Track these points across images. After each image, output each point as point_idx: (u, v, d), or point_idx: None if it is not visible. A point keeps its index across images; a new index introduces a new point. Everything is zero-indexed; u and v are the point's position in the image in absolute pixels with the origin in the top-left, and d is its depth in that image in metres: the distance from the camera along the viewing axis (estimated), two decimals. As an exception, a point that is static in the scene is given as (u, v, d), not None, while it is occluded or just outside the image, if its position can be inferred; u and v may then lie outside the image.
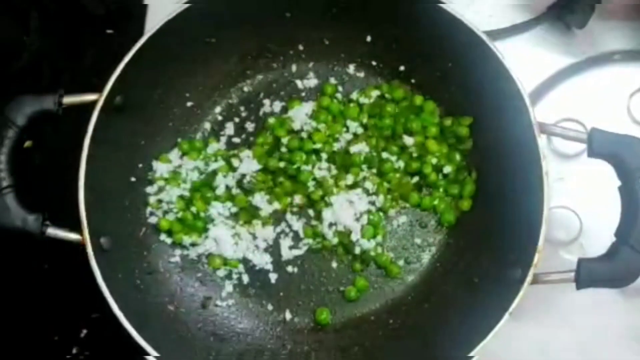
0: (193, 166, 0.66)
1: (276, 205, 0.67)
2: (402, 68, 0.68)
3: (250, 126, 0.69)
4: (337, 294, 0.66)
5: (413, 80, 0.68)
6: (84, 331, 0.68)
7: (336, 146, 0.67)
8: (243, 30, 0.65)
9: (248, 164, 0.67)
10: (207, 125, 0.69)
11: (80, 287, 0.57)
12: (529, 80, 0.68)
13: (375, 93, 0.68)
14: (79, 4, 0.73)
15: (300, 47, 0.68)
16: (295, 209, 0.67)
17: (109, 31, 0.75)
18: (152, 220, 0.65)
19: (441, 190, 0.66)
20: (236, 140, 0.68)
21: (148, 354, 0.54)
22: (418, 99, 0.67)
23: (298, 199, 0.67)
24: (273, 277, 0.66)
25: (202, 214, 0.65)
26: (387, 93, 0.68)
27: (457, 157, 0.66)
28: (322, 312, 0.64)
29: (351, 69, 0.69)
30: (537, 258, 0.54)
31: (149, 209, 0.65)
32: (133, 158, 0.64)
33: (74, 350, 0.68)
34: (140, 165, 0.65)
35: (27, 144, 0.68)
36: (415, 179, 0.67)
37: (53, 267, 0.70)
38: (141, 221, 0.64)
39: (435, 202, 0.66)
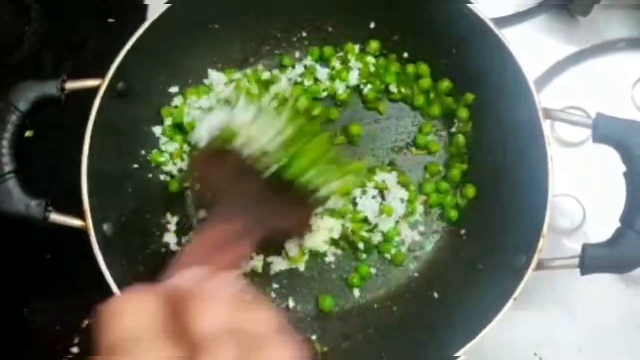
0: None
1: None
2: (405, 55, 0.67)
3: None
4: (340, 281, 0.65)
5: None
6: (86, 321, 0.68)
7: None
8: (246, 17, 0.65)
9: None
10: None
11: (83, 275, 0.57)
12: (533, 68, 0.67)
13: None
14: (80, -7, 0.73)
15: (304, 34, 0.68)
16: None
17: (110, 20, 0.75)
18: (156, 206, 0.65)
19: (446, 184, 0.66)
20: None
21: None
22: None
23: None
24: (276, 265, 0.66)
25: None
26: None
27: (461, 140, 0.66)
28: (325, 300, 0.64)
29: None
30: (541, 243, 0.54)
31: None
32: (135, 144, 0.64)
33: (76, 340, 0.68)
34: (143, 152, 0.65)
35: (28, 133, 0.67)
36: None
37: (55, 256, 0.69)
38: (144, 207, 0.64)
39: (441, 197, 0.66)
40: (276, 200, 0.50)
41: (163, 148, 0.65)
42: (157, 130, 0.65)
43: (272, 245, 0.65)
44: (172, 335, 0.29)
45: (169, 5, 0.58)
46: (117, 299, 0.31)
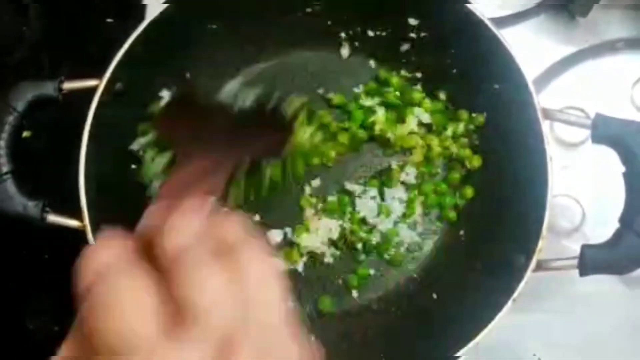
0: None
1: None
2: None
3: (252, 113, 0.69)
4: (339, 282, 0.65)
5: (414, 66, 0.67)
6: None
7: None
8: (246, 17, 0.64)
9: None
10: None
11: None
12: (532, 68, 0.67)
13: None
14: (79, -7, 0.73)
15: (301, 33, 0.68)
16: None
17: (109, 20, 0.75)
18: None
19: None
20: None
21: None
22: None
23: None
24: (275, 265, 0.66)
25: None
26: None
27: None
28: (324, 301, 0.64)
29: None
30: (540, 244, 0.54)
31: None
32: (133, 144, 0.64)
33: (75, 341, 0.67)
34: (141, 153, 0.65)
35: (26, 134, 0.67)
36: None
37: (53, 257, 0.69)
38: (142, 208, 0.64)
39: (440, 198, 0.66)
40: (249, 128, 0.50)
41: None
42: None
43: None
44: (148, 260, 0.30)
45: (167, 5, 0.58)
46: (93, 245, 0.32)
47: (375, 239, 0.65)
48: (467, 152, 0.65)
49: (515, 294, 0.53)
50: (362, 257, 0.65)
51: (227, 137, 0.48)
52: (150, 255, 0.30)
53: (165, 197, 0.39)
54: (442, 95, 0.66)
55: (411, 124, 0.65)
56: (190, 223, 0.30)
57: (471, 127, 0.65)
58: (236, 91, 0.54)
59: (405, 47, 0.67)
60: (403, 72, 0.67)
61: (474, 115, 0.64)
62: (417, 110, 0.65)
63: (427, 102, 0.66)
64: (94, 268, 0.30)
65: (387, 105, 0.66)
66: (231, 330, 0.28)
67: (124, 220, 0.61)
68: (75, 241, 0.55)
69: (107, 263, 0.30)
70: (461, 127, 0.64)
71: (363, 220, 0.65)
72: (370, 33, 0.67)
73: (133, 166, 0.64)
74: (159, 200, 0.39)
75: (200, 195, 0.38)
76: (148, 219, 0.32)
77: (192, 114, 0.51)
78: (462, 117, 0.65)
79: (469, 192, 0.65)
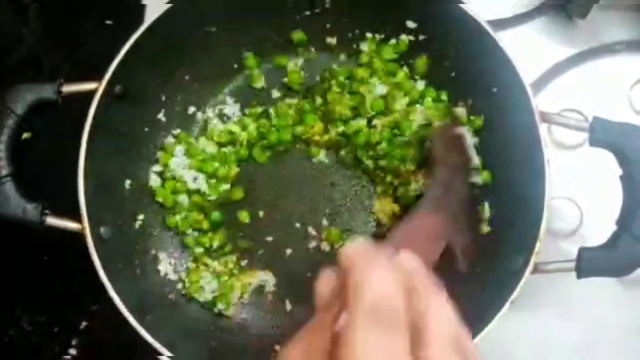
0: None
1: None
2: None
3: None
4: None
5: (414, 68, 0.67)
6: (84, 323, 0.68)
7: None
8: (244, 19, 0.64)
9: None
10: (210, 114, 0.69)
11: (80, 278, 0.57)
12: (531, 70, 0.67)
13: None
14: (78, -5, 0.73)
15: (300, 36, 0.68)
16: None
17: (108, 22, 0.75)
18: (153, 209, 0.65)
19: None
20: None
21: (148, 344, 0.54)
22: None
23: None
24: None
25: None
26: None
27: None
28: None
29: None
30: (538, 246, 0.54)
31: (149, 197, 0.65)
32: (133, 147, 0.64)
33: (74, 342, 0.68)
34: (140, 155, 0.65)
35: (26, 135, 0.67)
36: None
37: (52, 259, 0.69)
38: (141, 210, 0.64)
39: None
40: (470, 214, 0.49)
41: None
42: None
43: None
44: (407, 320, 0.29)
45: (167, 7, 0.58)
46: (363, 250, 0.30)
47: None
48: None
49: (513, 296, 0.53)
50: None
51: (461, 206, 0.47)
52: (410, 303, 0.29)
53: (407, 238, 0.40)
54: (444, 97, 0.66)
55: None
56: (449, 321, 0.30)
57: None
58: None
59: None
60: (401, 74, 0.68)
61: (472, 118, 0.64)
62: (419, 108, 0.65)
63: (429, 101, 0.66)
64: (373, 293, 0.29)
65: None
66: None
67: (122, 223, 0.62)
68: (74, 244, 0.55)
69: (386, 297, 0.28)
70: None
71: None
72: (369, 35, 0.67)
73: (132, 168, 0.64)
74: (403, 235, 0.40)
75: (426, 255, 0.39)
76: (404, 259, 0.31)
77: (457, 147, 0.51)
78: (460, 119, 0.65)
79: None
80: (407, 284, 0.30)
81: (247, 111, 0.68)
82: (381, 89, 0.65)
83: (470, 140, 0.54)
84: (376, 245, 0.31)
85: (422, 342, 0.29)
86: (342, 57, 0.68)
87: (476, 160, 0.54)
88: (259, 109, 0.67)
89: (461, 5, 0.58)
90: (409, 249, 0.33)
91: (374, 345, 0.27)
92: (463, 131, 0.53)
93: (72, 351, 0.67)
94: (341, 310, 0.29)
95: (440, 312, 0.30)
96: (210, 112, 0.68)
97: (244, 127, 0.66)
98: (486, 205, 0.62)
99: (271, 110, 0.67)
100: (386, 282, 0.29)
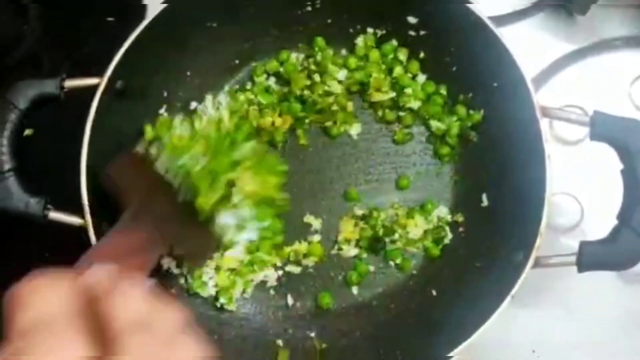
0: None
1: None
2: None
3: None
4: (339, 279, 0.65)
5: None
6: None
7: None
8: (245, 15, 0.65)
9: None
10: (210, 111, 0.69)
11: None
12: (531, 66, 0.67)
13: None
14: (79, -8, 0.73)
15: (301, 29, 0.68)
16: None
17: (109, 19, 0.75)
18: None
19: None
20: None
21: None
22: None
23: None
24: (275, 262, 0.66)
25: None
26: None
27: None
28: (324, 297, 0.64)
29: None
30: (539, 241, 0.54)
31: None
32: (134, 142, 0.64)
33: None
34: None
35: (28, 132, 0.68)
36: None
37: (55, 255, 0.69)
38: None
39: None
40: (184, 224, 0.51)
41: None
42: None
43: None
44: (86, 325, 0.30)
45: (167, 4, 0.58)
46: (31, 281, 0.32)
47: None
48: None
49: (514, 291, 0.54)
50: (363, 254, 0.65)
51: (167, 220, 0.49)
52: (91, 310, 0.30)
53: (107, 253, 0.42)
54: (443, 91, 0.66)
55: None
56: (135, 306, 0.31)
57: (468, 124, 0.65)
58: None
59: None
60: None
61: (471, 112, 0.64)
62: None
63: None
64: (32, 314, 0.30)
65: None
66: None
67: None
68: (77, 239, 0.55)
69: (46, 316, 0.30)
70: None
71: (363, 217, 0.65)
72: (370, 31, 0.67)
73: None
74: (101, 251, 0.42)
75: (137, 264, 0.41)
76: (93, 270, 0.32)
77: (148, 175, 0.52)
78: (459, 113, 0.65)
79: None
80: (87, 293, 0.31)
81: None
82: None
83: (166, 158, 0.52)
84: (56, 272, 0.32)
85: (110, 337, 0.30)
86: (344, 51, 0.68)
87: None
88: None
89: (462, 1, 0.58)
90: (110, 262, 0.34)
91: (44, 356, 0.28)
92: (143, 154, 0.53)
93: (74, 347, 0.67)
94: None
95: (121, 303, 0.30)
96: (211, 107, 0.68)
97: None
98: (484, 196, 0.63)
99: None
100: (47, 299, 0.30)
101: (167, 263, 0.63)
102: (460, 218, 0.65)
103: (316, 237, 0.65)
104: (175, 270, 0.64)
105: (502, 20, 0.70)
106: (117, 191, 0.53)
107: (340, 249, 0.65)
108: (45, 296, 0.31)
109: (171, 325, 0.32)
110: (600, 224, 0.56)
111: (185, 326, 0.32)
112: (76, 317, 0.30)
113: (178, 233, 0.50)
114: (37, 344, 0.29)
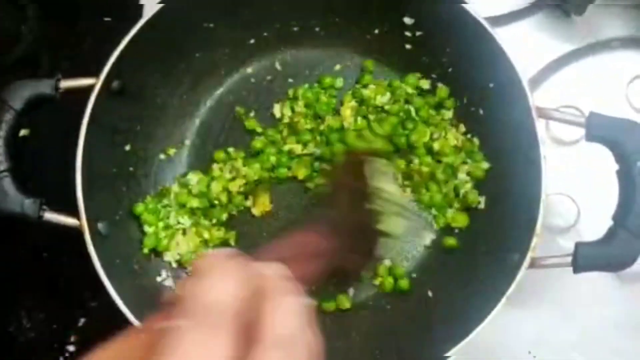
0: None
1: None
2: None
3: (251, 112, 0.69)
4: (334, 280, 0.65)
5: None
6: (82, 319, 0.68)
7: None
8: (242, 16, 0.65)
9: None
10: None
11: (78, 275, 0.57)
12: (528, 67, 0.67)
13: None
14: (76, -8, 0.73)
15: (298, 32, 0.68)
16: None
17: (106, 19, 0.75)
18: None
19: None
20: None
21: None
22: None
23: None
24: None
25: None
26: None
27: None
28: (323, 300, 0.64)
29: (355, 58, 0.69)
30: (534, 241, 0.54)
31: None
32: (130, 142, 0.64)
33: (72, 339, 0.68)
34: (138, 150, 0.65)
35: (23, 132, 0.68)
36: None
37: (51, 255, 0.69)
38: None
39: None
40: (358, 238, 0.50)
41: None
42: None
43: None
44: (240, 323, 0.28)
45: (163, 4, 0.58)
46: (218, 258, 0.30)
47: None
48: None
49: (509, 291, 0.54)
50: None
51: (348, 232, 0.48)
52: (251, 305, 0.29)
53: (282, 251, 0.39)
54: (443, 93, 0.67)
55: None
56: (299, 313, 0.30)
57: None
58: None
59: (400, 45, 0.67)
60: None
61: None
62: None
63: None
64: (205, 296, 0.28)
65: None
66: None
67: (119, 219, 0.62)
68: (73, 239, 0.55)
69: (218, 301, 0.28)
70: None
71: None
72: (366, 32, 0.67)
73: (130, 164, 0.64)
74: (278, 248, 0.40)
75: (303, 272, 0.38)
76: (265, 266, 0.31)
77: (357, 182, 0.51)
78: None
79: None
80: (255, 285, 0.30)
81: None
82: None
83: (383, 168, 0.54)
84: (233, 255, 0.31)
85: (255, 339, 0.28)
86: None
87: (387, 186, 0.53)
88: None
89: (458, 1, 0.58)
90: (279, 261, 0.33)
91: (191, 344, 0.27)
92: (365, 158, 0.54)
93: (71, 347, 0.67)
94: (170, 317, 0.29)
95: (282, 313, 0.30)
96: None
97: None
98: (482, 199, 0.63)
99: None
100: (222, 284, 0.29)
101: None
102: None
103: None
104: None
105: (498, 20, 0.70)
106: (334, 184, 0.53)
107: None
108: (219, 280, 0.29)
109: (308, 351, 0.30)
110: (596, 224, 0.56)
111: (319, 354, 0.31)
112: (237, 315, 0.28)
113: (350, 246, 0.48)
114: (193, 329, 0.27)
